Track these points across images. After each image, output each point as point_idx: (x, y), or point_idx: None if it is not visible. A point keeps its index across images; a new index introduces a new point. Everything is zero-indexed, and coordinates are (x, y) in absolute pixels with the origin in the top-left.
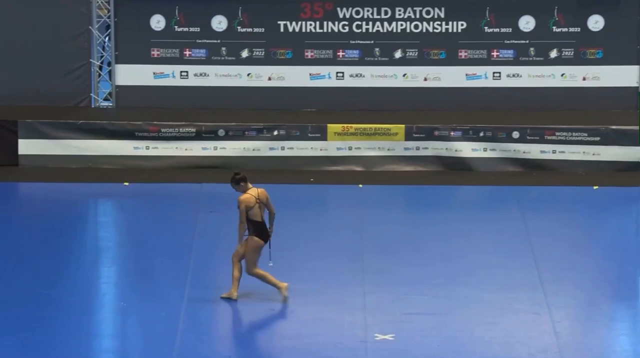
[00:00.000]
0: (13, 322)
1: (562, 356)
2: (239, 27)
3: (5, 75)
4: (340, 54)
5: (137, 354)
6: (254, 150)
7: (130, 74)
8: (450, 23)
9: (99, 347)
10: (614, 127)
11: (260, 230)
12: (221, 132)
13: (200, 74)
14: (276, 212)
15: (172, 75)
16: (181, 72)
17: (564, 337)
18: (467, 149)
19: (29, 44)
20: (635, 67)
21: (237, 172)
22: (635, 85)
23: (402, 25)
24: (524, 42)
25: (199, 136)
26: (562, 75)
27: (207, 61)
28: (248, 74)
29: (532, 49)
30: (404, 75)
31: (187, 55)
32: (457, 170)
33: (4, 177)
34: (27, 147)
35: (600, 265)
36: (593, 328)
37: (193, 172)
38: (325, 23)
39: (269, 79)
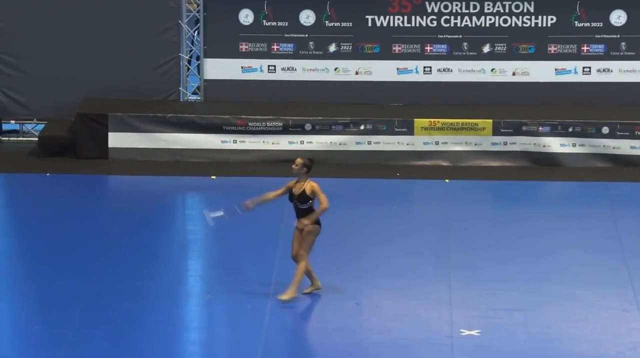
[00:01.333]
0: (101, 314)
1: None
2: (326, 22)
3: (96, 69)
4: (428, 48)
5: (223, 347)
6: (340, 144)
7: (219, 68)
8: (539, 17)
9: (185, 339)
10: None
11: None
12: (308, 126)
13: (288, 68)
14: (363, 206)
15: (259, 70)
16: (269, 66)
17: None
18: (556, 144)
19: (119, 38)
20: None
21: (312, 160)
22: None
23: (490, 19)
24: (614, 36)
25: (285, 130)
26: None
27: (294, 55)
28: (335, 68)
29: (623, 43)
30: (492, 69)
31: (275, 50)
32: (545, 165)
33: (94, 170)
34: (116, 140)
35: None
36: None
37: (280, 166)
38: (413, 17)
39: (356, 73)
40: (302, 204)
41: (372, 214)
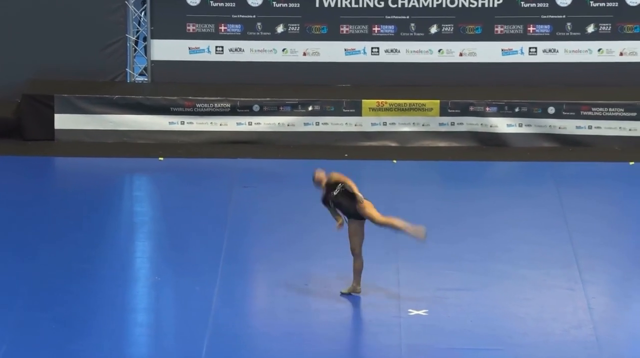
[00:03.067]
0: (49, 295)
1: (597, 332)
2: (274, 3)
3: (42, 51)
4: (376, 29)
5: (171, 328)
6: (288, 125)
7: (166, 49)
8: None
9: (133, 321)
10: None
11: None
12: (256, 107)
13: (236, 49)
14: (312, 188)
15: (207, 51)
16: (216, 47)
17: (598, 312)
18: (503, 125)
19: (65, 19)
20: None
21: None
22: None
23: (437, 0)
24: (560, 17)
25: (233, 111)
26: (599, 50)
27: (242, 36)
28: (283, 49)
29: (569, 24)
30: (439, 50)
31: (223, 31)
32: (492, 145)
33: (41, 152)
34: (63, 121)
35: (636, 241)
36: (628, 303)
37: (227, 147)
38: None
39: (304, 54)
40: (344, 196)
41: (320, 195)
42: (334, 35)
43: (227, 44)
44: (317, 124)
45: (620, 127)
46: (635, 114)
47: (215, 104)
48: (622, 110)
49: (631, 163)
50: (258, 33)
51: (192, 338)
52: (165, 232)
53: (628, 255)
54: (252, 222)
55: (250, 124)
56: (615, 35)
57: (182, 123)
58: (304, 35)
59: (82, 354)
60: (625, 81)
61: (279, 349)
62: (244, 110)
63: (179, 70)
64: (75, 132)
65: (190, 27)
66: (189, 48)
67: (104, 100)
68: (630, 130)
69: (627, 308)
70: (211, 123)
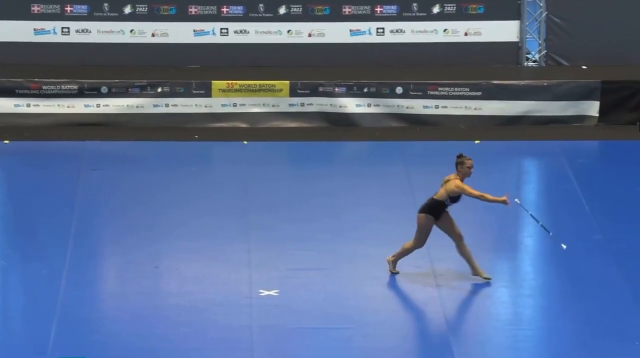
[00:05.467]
0: None
1: (444, 308)
2: None
3: None
4: (224, 10)
5: (18, 313)
6: (137, 107)
7: (10, 30)
8: None
9: None
10: (495, 82)
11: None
12: (104, 89)
13: (82, 31)
14: (162, 170)
15: (53, 32)
16: (62, 28)
17: (446, 289)
18: (352, 105)
19: None
20: (516, 22)
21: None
22: (516, 40)
23: None
24: None
25: (81, 93)
26: (445, 30)
27: (89, 17)
28: (131, 30)
29: (414, 4)
30: (288, 31)
31: (68, 12)
32: (341, 126)
33: None
34: None
35: (481, 219)
36: (474, 279)
37: (75, 130)
38: None
39: (153, 35)
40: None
41: (171, 177)
42: (182, 16)
43: (74, 25)
44: (167, 105)
45: (465, 107)
46: (480, 93)
47: (62, 86)
48: (468, 90)
49: (477, 141)
50: (105, 14)
51: (40, 322)
52: (11, 216)
53: (474, 232)
54: (101, 205)
55: (98, 106)
56: (460, 15)
57: (28, 105)
58: (152, 16)
59: None
60: (470, 61)
61: (129, 332)
62: (92, 92)
63: (24, 52)
64: None
65: (35, 8)
66: (34, 29)
67: None
68: (475, 109)
69: (473, 284)
70: (58, 105)
